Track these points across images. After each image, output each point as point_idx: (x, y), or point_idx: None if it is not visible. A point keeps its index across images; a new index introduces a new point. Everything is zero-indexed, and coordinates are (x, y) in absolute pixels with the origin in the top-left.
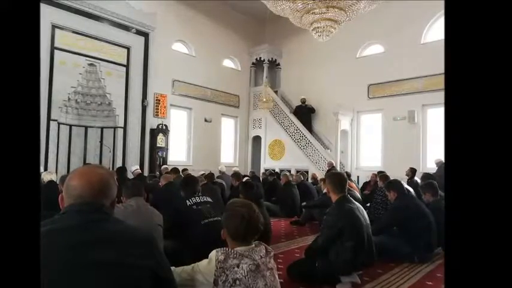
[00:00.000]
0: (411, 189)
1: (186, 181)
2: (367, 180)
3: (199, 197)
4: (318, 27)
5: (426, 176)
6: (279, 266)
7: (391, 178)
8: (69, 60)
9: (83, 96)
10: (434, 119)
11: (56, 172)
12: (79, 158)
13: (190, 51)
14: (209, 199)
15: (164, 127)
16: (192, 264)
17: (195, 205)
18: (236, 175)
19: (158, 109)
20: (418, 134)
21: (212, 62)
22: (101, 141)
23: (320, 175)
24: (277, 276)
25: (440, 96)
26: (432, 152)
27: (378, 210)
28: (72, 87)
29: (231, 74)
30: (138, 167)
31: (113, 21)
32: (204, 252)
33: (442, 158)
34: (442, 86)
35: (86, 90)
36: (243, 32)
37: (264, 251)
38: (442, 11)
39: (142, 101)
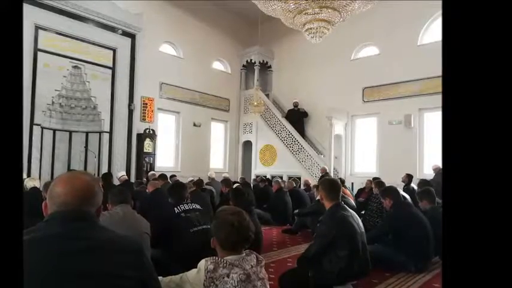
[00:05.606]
0: (407, 196)
1: (174, 188)
2: (362, 186)
3: (187, 204)
4: (310, 28)
5: (423, 183)
6: (271, 276)
7: (387, 185)
8: (53, 62)
9: (67, 99)
10: (432, 123)
11: (40, 178)
12: (63, 163)
13: (178, 53)
14: (198, 206)
15: (151, 132)
16: (181, 274)
17: (183, 212)
18: (226, 181)
19: (145, 113)
20: (414, 138)
21: (201, 64)
22: (86, 147)
23: (313, 181)
24: (268, 287)
25: (438, 99)
26: (429, 158)
27: (373, 217)
28: (56, 90)
29: (220, 77)
30: (125, 173)
31: (98, 22)
32: (193, 262)
33: (440, 164)
34: (440, 89)
35: (71, 94)
36: (233, 33)
37: (255, 260)
38: (440, 12)
39: (129, 105)
